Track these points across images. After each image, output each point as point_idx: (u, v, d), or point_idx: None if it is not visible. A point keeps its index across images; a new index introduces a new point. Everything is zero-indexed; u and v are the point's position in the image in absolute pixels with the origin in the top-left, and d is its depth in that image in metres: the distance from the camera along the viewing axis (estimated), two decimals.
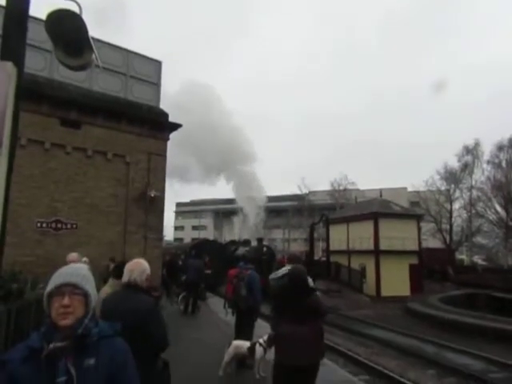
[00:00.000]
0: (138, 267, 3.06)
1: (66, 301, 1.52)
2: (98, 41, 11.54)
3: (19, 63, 2.54)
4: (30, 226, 10.87)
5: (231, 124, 36.91)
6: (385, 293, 26.63)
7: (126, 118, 12.85)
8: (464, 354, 12.15)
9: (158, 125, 13.61)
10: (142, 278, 3.02)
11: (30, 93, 10.98)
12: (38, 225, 10.99)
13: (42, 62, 11.59)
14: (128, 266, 3.08)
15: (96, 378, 1.50)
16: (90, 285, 1.62)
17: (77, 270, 1.63)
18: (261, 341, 5.88)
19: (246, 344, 6.05)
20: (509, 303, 22.24)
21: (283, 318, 4.33)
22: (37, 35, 10.03)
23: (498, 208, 41.54)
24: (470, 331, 15.07)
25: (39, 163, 11.25)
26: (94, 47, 2.71)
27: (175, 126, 14.06)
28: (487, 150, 43.23)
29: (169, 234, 66.69)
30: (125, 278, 3.03)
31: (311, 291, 4.47)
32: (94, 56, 2.81)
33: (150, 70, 13.92)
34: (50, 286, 1.56)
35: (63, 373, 1.43)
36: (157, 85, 14.12)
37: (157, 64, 14.17)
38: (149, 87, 13.86)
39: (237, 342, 6.17)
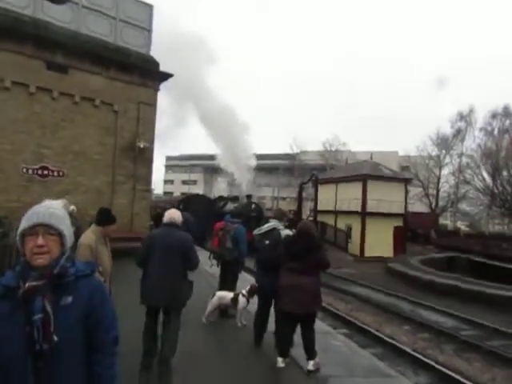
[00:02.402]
0: (177, 213, 4.46)
1: (40, 241, 1.49)
2: None
3: None
4: (16, 171, 10.72)
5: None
6: (368, 253, 27.35)
7: (114, 65, 12.37)
8: (438, 312, 12.72)
9: (148, 73, 13.16)
10: (180, 220, 4.40)
11: (13, 31, 10.47)
12: (24, 170, 10.83)
13: None
14: (169, 213, 4.42)
15: (73, 315, 1.51)
16: (64, 225, 1.58)
17: (50, 209, 1.58)
18: (244, 292, 6.05)
19: (230, 295, 6.22)
20: (487, 267, 23.05)
21: (287, 269, 4.63)
22: None
23: (486, 175, 42.06)
24: (446, 292, 15.68)
25: (24, 107, 10.90)
26: None
27: (166, 76, 13.62)
28: (481, 117, 43.25)
29: (158, 187, 66.59)
30: (166, 220, 4.34)
31: (320, 246, 4.84)
32: None
33: (140, 15, 13.22)
34: (23, 225, 1.52)
35: (39, 310, 1.43)
36: (148, 31, 13.47)
37: (148, 8, 13.44)
38: (139, 32, 13.24)
39: (220, 293, 6.33)
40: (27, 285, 1.44)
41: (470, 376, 7.41)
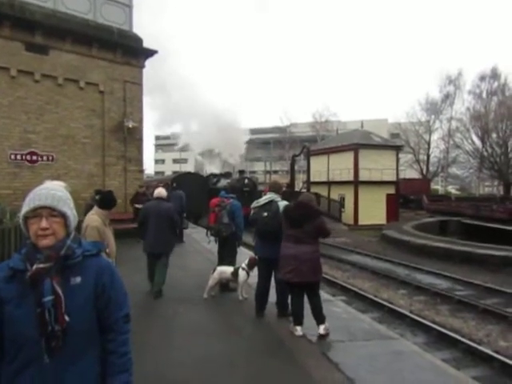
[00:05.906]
0: (163, 190, 6.66)
1: (43, 223, 1.47)
2: None
3: None
4: (4, 158, 10.54)
5: None
6: (362, 221, 27.71)
7: (96, 43, 12.00)
8: (432, 274, 13.02)
9: (132, 51, 12.80)
10: (165, 195, 6.57)
11: None
12: (12, 157, 10.65)
13: None
14: (157, 190, 6.61)
15: (83, 295, 1.51)
16: (67, 206, 1.56)
17: (52, 191, 1.55)
18: (243, 265, 6.11)
19: (230, 269, 6.28)
20: (478, 229, 23.50)
21: (287, 238, 4.71)
22: None
23: (475, 138, 42.39)
24: (439, 255, 15.99)
25: (7, 92, 10.63)
26: None
27: (150, 53, 13.27)
28: (469, 81, 43.28)
29: (149, 167, 66.17)
30: (156, 195, 6.55)
31: (319, 214, 4.87)
32: None
33: None
34: (25, 208, 1.49)
35: (49, 292, 1.43)
36: (129, 6, 13.01)
37: None
38: (120, 9, 12.78)
39: (221, 268, 6.39)
40: (34, 267, 1.43)
41: (465, 334, 7.66)
